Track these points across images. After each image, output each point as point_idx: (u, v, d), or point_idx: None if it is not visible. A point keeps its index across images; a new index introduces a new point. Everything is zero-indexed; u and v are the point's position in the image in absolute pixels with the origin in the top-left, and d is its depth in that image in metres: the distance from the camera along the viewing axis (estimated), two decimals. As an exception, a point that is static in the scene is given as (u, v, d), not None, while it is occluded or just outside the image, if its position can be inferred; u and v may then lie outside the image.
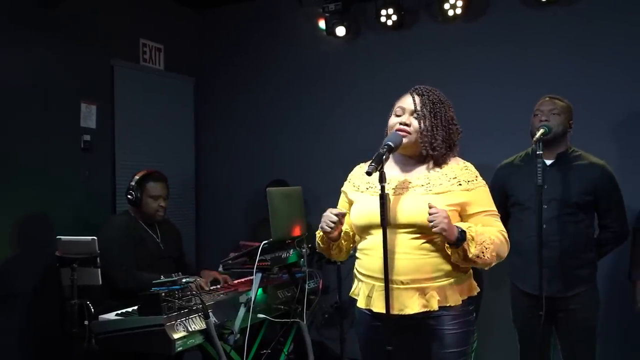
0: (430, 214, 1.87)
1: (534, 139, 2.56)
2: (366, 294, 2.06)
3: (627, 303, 2.98)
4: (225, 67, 4.92)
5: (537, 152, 2.51)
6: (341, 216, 2.04)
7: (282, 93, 4.67)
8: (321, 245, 2.22)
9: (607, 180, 2.75)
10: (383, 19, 4.08)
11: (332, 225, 2.03)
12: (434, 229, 1.86)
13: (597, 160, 2.78)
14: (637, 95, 3.47)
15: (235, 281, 3.14)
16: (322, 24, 4.33)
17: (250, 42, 4.80)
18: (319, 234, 2.18)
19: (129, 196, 3.25)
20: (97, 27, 4.06)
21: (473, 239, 1.91)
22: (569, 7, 3.65)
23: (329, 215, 2.04)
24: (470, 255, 1.90)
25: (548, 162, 2.76)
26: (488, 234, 1.96)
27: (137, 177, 3.27)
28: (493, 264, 1.99)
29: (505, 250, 2.03)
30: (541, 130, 2.58)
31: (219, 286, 3.03)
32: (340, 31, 4.24)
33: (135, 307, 2.43)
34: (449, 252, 1.95)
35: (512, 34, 3.83)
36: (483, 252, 1.92)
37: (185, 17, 4.93)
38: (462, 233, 1.90)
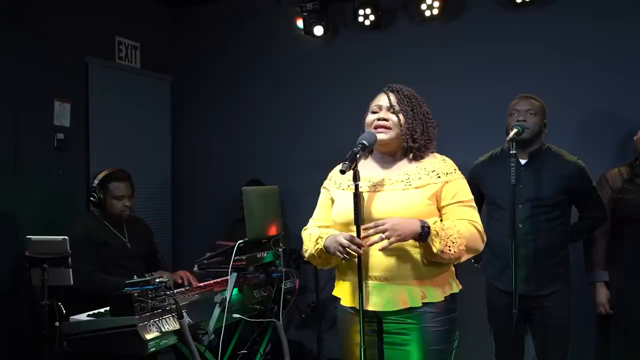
0: (382, 231, 1.86)
1: (508, 138, 2.58)
2: (350, 292, 2.07)
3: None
4: (202, 66, 4.89)
5: (511, 152, 2.53)
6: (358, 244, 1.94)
7: (260, 92, 4.65)
8: (317, 259, 2.13)
9: (582, 177, 2.78)
10: (361, 19, 4.09)
11: (345, 252, 1.95)
12: (390, 244, 1.87)
13: (570, 157, 2.81)
14: (612, 94, 3.53)
15: (202, 283, 3.09)
16: (300, 23, 4.32)
17: (227, 40, 4.77)
18: (314, 247, 2.10)
19: (92, 198, 3.23)
20: (72, 23, 4.00)
21: (437, 234, 1.90)
22: (543, 9, 3.71)
23: (344, 242, 1.94)
24: (435, 251, 1.90)
25: (522, 161, 2.79)
26: (457, 228, 1.94)
27: (99, 178, 3.23)
28: (464, 258, 1.99)
29: (479, 242, 2.01)
30: (515, 130, 2.60)
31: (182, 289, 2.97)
32: (318, 30, 4.23)
33: (107, 308, 2.39)
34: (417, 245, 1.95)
35: (487, 34, 3.87)
36: (449, 247, 1.91)
37: (162, 14, 4.89)
38: (425, 228, 1.90)
